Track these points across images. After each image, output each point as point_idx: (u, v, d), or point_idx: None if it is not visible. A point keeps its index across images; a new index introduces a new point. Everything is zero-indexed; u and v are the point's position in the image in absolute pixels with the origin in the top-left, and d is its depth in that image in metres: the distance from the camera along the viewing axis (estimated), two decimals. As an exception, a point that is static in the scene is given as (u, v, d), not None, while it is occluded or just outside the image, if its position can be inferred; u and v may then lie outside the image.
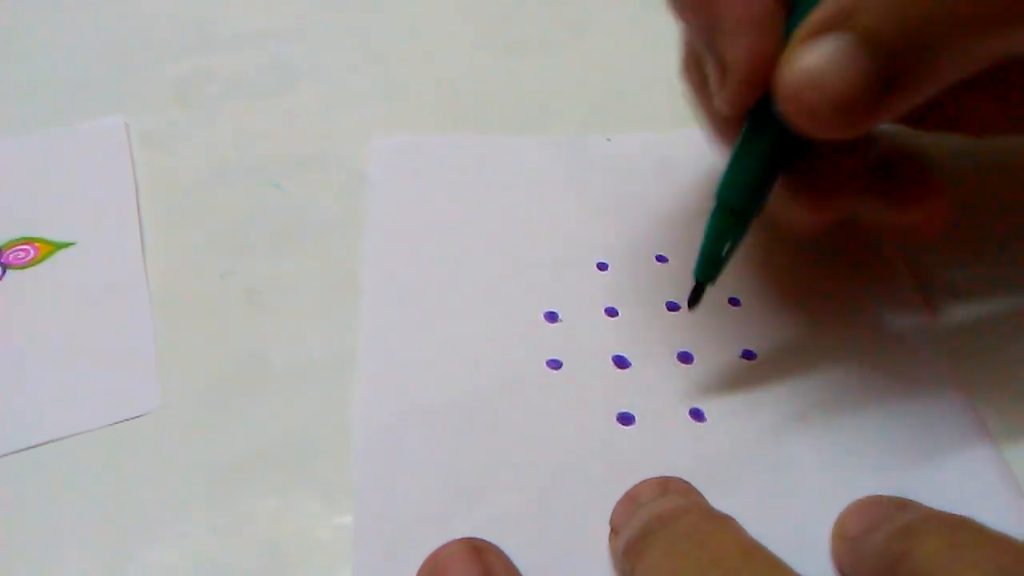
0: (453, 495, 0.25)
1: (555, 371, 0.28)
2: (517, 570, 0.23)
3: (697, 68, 0.29)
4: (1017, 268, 0.32)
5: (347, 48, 0.43)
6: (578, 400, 0.28)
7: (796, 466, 0.26)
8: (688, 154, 0.36)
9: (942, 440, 0.27)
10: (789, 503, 0.25)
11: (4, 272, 0.32)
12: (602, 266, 0.32)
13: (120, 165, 0.36)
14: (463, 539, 0.23)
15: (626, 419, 0.27)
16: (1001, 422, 0.27)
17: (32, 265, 0.32)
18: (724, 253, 0.27)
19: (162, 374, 0.29)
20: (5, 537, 0.25)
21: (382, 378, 0.28)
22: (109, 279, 0.32)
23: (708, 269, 0.27)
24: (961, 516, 0.22)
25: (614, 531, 0.24)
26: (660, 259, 0.32)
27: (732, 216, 0.26)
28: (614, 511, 0.24)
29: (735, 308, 0.31)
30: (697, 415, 0.27)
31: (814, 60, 0.22)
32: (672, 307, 0.30)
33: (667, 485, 0.24)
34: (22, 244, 0.33)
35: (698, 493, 0.24)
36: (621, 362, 0.29)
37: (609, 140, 0.37)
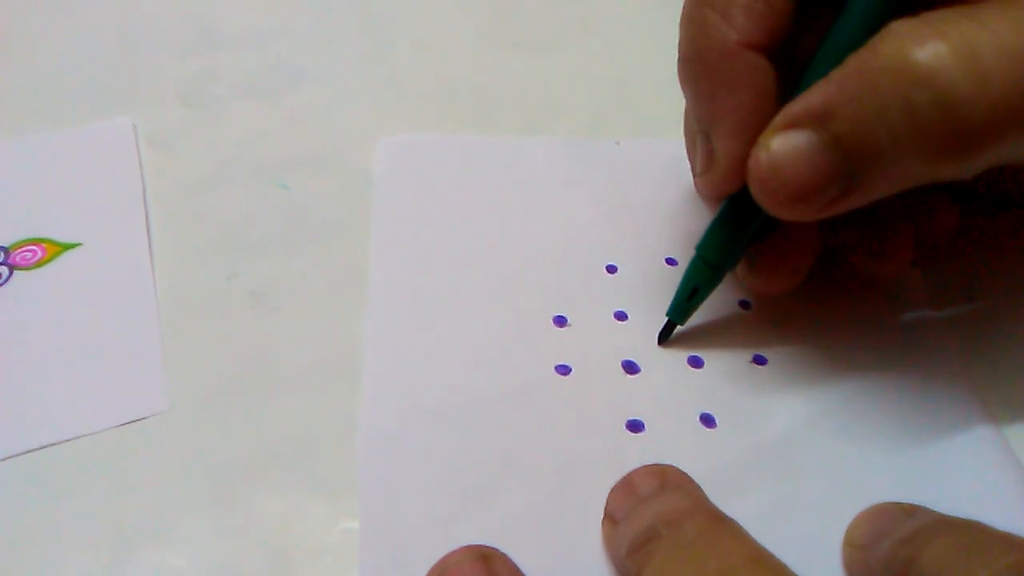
0: (460, 501, 0.25)
1: (564, 376, 0.28)
2: (524, 577, 0.23)
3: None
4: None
5: (352, 48, 0.43)
6: (587, 406, 0.27)
7: (807, 473, 0.26)
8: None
9: (955, 447, 0.26)
10: (799, 510, 0.25)
11: (11, 273, 0.32)
12: (611, 269, 0.32)
13: (127, 166, 0.36)
14: (470, 546, 0.23)
15: (635, 426, 0.27)
16: (1018, 430, 0.27)
17: (39, 266, 0.32)
18: (697, 298, 0.29)
19: (169, 376, 0.29)
20: (12, 537, 0.25)
21: (388, 381, 0.28)
22: (116, 280, 0.31)
23: (680, 310, 0.29)
24: (969, 520, 0.22)
25: (610, 518, 0.24)
26: (670, 262, 0.32)
27: (708, 268, 0.28)
28: (610, 497, 0.24)
29: (746, 312, 0.30)
30: (708, 421, 0.27)
31: (784, 151, 0.24)
32: (687, 316, 0.30)
33: (664, 475, 0.24)
34: (29, 245, 0.33)
35: (696, 485, 0.24)
36: (631, 367, 0.29)
37: (618, 143, 0.37)
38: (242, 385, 0.28)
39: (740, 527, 0.22)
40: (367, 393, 0.28)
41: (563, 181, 0.35)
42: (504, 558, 0.23)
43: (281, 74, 0.41)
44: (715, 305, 0.30)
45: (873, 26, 0.23)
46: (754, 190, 0.25)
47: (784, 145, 0.24)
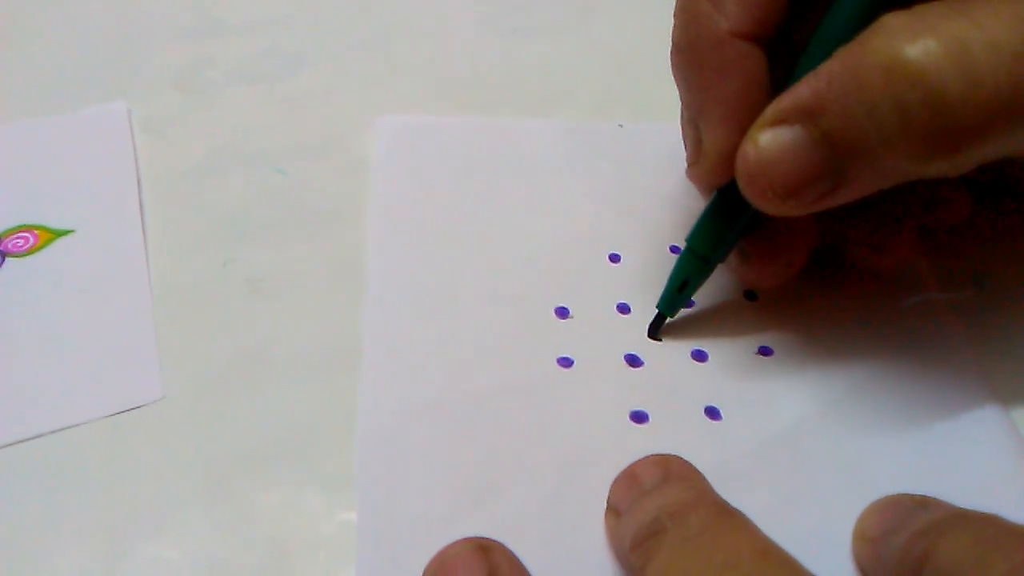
0: (459, 493, 0.25)
1: (566, 369, 0.28)
2: (525, 570, 0.22)
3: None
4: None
5: (350, 33, 0.42)
6: (590, 398, 0.27)
7: (814, 465, 0.25)
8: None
9: (964, 435, 0.26)
10: (807, 503, 0.25)
11: (3, 260, 0.31)
12: (614, 258, 0.31)
13: (121, 152, 0.35)
14: (469, 538, 0.22)
15: (640, 417, 0.27)
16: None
17: (32, 253, 0.32)
18: (687, 290, 0.28)
19: (163, 364, 0.28)
20: (4, 528, 0.24)
21: (387, 372, 0.27)
22: (109, 267, 0.31)
23: (671, 302, 0.29)
24: (985, 513, 0.21)
25: (613, 510, 0.24)
26: (674, 250, 0.31)
27: (698, 260, 0.28)
28: (612, 488, 0.24)
29: (751, 303, 0.30)
30: (713, 413, 0.27)
31: (772, 146, 0.24)
32: (678, 308, 0.29)
33: (668, 465, 0.24)
34: (22, 232, 0.32)
35: (700, 475, 0.24)
36: (634, 360, 0.28)
37: (621, 126, 0.36)
38: (238, 373, 0.28)
39: (747, 519, 0.21)
40: (365, 384, 0.27)
41: (566, 166, 0.35)
42: (504, 550, 0.22)
43: (278, 59, 0.40)
44: (720, 296, 0.30)
45: (865, 18, 0.23)
46: (742, 185, 0.25)
47: (772, 140, 0.24)
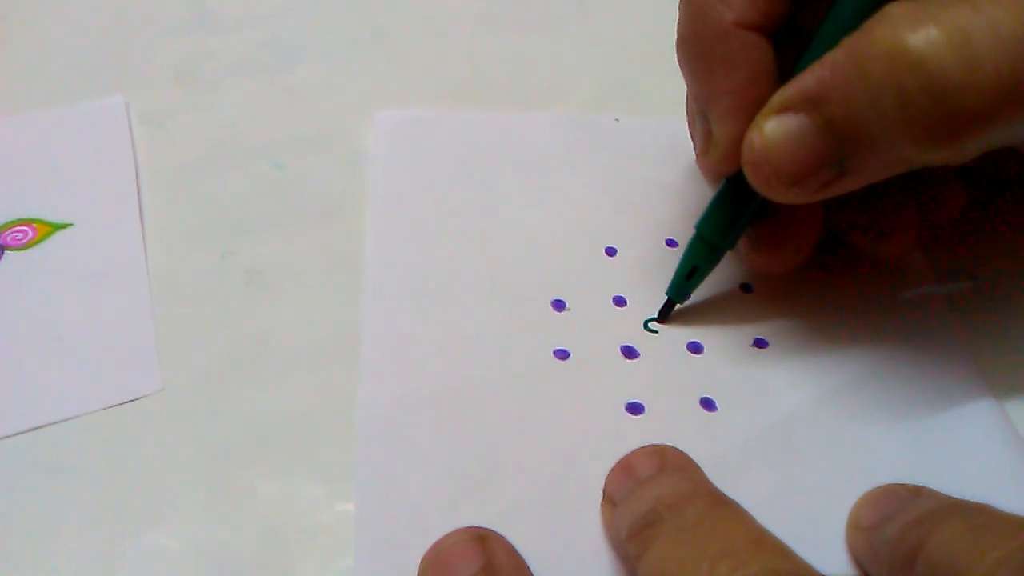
0: (457, 483, 0.25)
1: (562, 361, 0.28)
2: (522, 559, 0.22)
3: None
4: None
5: (348, 27, 0.42)
6: (586, 390, 0.27)
7: (808, 455, 0.26)
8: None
9: (958, 426, 0.26)
10: (801, 492, 0.25)
11: (2, 253, 0.31)
12: (610, 251, 0.31)
13: (120, 145, 0.35)
14: (466, 528, 0.23)
15: (635, 408, 0.27)
16: (1021, 409, 0.27)
17: (30, 246, 0.32)
18: (696, 277, 0.29)
19: (161, 356, 0.28)
20: (4, 518, 0.25)
21: (385, 363, 0.28)
22: (108, 260, 0.31)
23: (680, 289, 0.29)
24: (977, 503, 0.22)
25: (609, 500, 0.24)
26: (670, 243, 0.31)
27: (707, 247, 0.28)
28: (608, 479, 0.24)
29: (747, 295, 0.30)
30: (708, 404, 0.27)
31: (777, 134, 0.25)
32: (687, 295, 0.30)
33: (664, 456, 0.24)
34: (20, 225, 0.32)
35: (696, 466, 0.24)
36: (630, 352, 0.28)
37: (617, 120, 0.37)
38: (236, 365, 0.28)
39: (742, 509, 0.21)
40: (364, 375, 0.27)
41: (563, 159, 0.35)
42: (501, 539, 0.22)
43: (277, 53, 0.40)
44: (716, 288, 0.30)
45: (869, 8, 0.23)
46: (748, 173, 0.26)
47: (777, 128, 0.24)
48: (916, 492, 0.23)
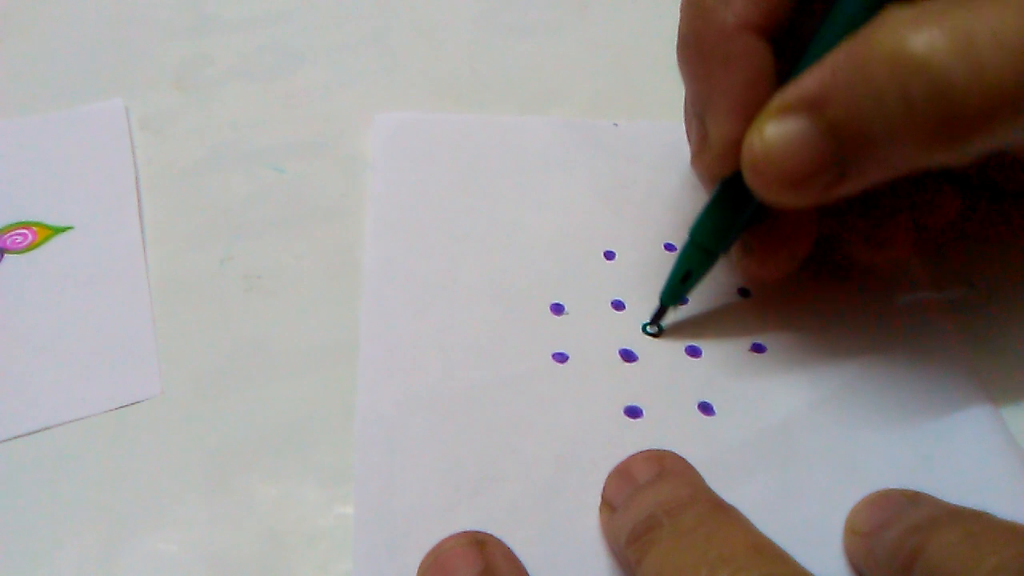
0: (455, 487, 0.25)
1: (561, 364, 0.28)
2: (520, 563, 0.22)
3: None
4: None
5: (348, 31, 0.42)
6: (584, 393, 0.27)
7: (806, 460, 0.26)
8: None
9: (955, 432, 0.26)
10: (799, 497, 0.25)
11: (2, 256, 0.31)
12: (609, 255, 0.31)
13: (119, 149, 0.35)
14: (465, 532, 0.23)
15: (634, 412, 0.27)
16: (1017, 414, 0.27)
17: (30, 249, 0.32)
18: (690, 282, 0.29)
19: (161, 360, 0.28)
20: (5, 523, 0.25)
21: (384, 367, 0.28)
22: (107, 263, 0.31)
23: (673, 294, 0.29)
24: (975, 509, 0.22)
25: (607, 505, 0.24)
26: (668, 247, 0.32)
27: (701, 252, 0.28)
28: (607, 484, 0.24)
29: (745, 300, 0.30)
30: (706, 409, 0.27)
31: (777, 137, 0.24)
32: (680, 299, 0.30)
33: (662, 461, 0.24)
34: (20, 228, 0.32)
35: (695, 471, 0.24)
36: (628, 356, 0.28)
37: (616, 125, 0.37)
38: (236, 369, 0.28)
39: (741, 514, 0.22)
40: (362, 379, 0.27)
41: (561, 163, 0.35)
42: (499, 544, 0.22)
43: (276, 57, 0.40)
44: (714, 293, 0.30)
45: (870, 10, 0.23)
46: (747, 176, 0.25)
47: (778, 131, 0.24)
48: (914, 498, 0.23)
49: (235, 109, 0.38)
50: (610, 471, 0.24)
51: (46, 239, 0.32)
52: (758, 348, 0.29)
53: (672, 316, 0.29)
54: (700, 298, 0.29)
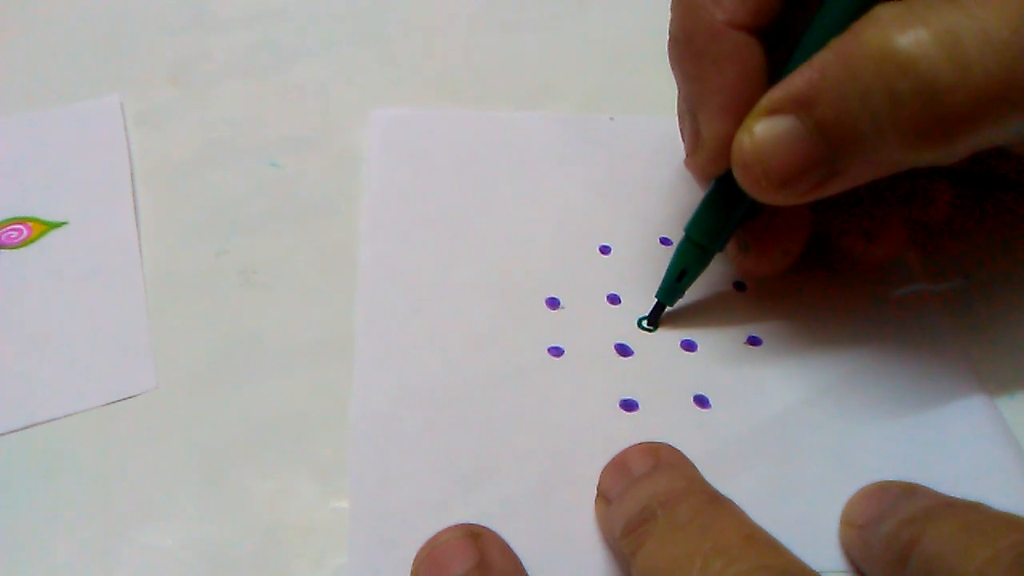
0: (451, 481, 0.25)
1: (557, 358, 0.28)
2: (516, 556, 0.22)
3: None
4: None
5: (344, 26, 0.42)
6: (580, 387, 0.27)
7: (802, 452, 0.26)
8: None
9: (951, 424, 0.26)
10: (795, 490, 0.25)
11: (-3, 252, 0.31)
12: (604, 249, 0.31)
13: (115, 144, 0.35)
14: (460, 525, 0.23)
15: (629, 406, 0.27)
16: (1013, 406, 0.27)
17: (25, 245, 0.32)
18: (686, 279, 0.29)
19: (156, 354, 0.28)
20: (-1, 518, 0.25)
21: (379, 361, 0.28)
22: (102, 258, 0.31)
23: (670, 292, 0.29)
24: (970, 501, 0.22)
25: (603, 498, 0.24)
26: (664, 241, 0.32)
27: (696, 249, 0.28)
28: (602, 476, 0.24)
29: (740, 293, 0.30)
30: (702, 402, 0.27)
31: (766, 136, 0.24)
32: (677, 298, 0.30)
33: (658, 453, 0.24)
34: (15, 224, 0.32)
35: (690, 463, 0.24)
36: (624, 350, 0.28)
37: (612, 120, 0.37)
38: (231, 363, 0.28)
39: (736, 506, 0.22)
40: (358, 373, 0.27)
41: (557, 158, 0.35)
42: (495, 536, 0.22)
43: (272, 52, 0.40)
44: (710, 286, 0.30)
45: (858, 10, 0.23)
46: (737, 174, 0.25)
47: (767, 130, 0.24)
48: (909, 489, 0.23)
49: (231, 105, 0.38)
50: (605, 464, 0.24)
51: (41, 234, 0.32)
52: (754, 341, 0.29)
53: (668, 308, 0.29)
54: (695, 291, 0.29)
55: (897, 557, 0.21)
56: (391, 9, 0.43)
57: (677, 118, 0.31)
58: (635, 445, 0.24)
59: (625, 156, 0.35)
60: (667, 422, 0.26)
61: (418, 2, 0.44)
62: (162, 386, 0.27)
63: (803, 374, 0.28)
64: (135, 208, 0.33)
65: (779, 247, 0.29)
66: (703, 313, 0.29)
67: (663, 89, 0.32)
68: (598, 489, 0.24)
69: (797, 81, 0.24)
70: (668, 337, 0.29)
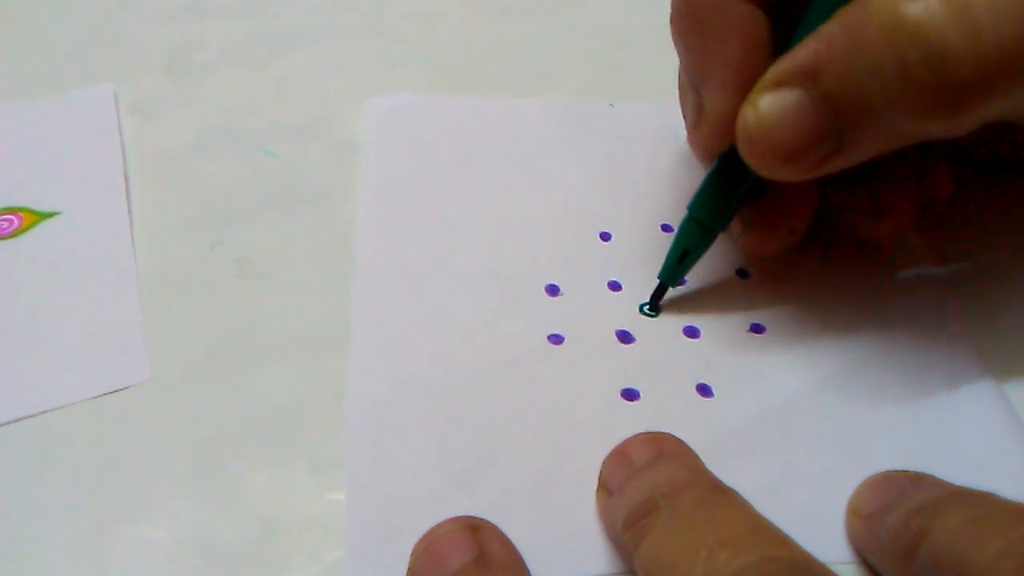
0: (449, 472, 0.24)
1: (557, 346, 0.28)
2: (515, 549, 0.22)
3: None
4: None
5: (339, 14, 0.42)
6: (581, 376, 0.27)
7: (806, 441, 0.25)
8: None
9: (958, 410, 0.26)
10: (800, 480, 0.24)
11: (-11, 243, 0.31)
12: (605, 236, 0.31)
13: (108, 134, 0.35)
14: (458, 517, 0.22)
15: (631, 395, 0.26)
16: (1021, 391, 0.27)
17: (17, 235, 0.31)
18: (688, 260, 0.28)
19: (150, 345, 0.28)
20: (-10, 510, 0.24)
21: (376, 351, 0.27)
22: (95, 249, 0.31)
23: (672, 273, 0.28)
24: (979, 490, 0.21)
25: (604, 489, 0.23)
26: (665, 228, 0.31)
27: (699, 228, 0.28)
28: (604, 467, 0.24)
29: (744, 280, 0.30)
30: (704, 391, 0.26)
31: (772, 110, 0.24)
32: (679, 279, 0.29)
33: (660, 443, 0.23)
34: (6, 214, 0.32)
35: (693, 453, 0.23)
36: (625, 337, 0.28)
37: (612, 106, 0.36)
38: (225, 355, 0.28)
39: (739, 496, 0.21)
40: (354, 363, 0.27)
41: (556, 145, 0.34)
42: (494, 529, 0.22)
43: (267, 40, 0.40)
44: (712, 273, 0.30)
45: None
46: (742, 149, 0.25)
47: (772, 104, 0.24)
48: (917, 479, 0.23)
49: (226, 93, 0.37)
50: (607, 454, 0.24)
51: (33, 224, 0.32)
52: (757, 328, 0.28)
53: (670, 296, 0.29)
54: (698, 278, 0.29)
55: (905, 548, 0.21)
56: (388, -4, 0.43)
57: (679, 95, 0.30)
58: (637, 435, 0.24)
59: (626, 143, 0.34)
60: (669, 412, 0.26)
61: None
62: (156, 377, 0.27)
63: (807, 362, 0.27)
64: (128, 198, 0.33)
65: (784, 226, 0.28)
66: (706, 300, 0.29)
67: (663, 76, 0.32)
68: (599, 480, 0.24)
69: (803, 53, 0.23)
70: (670, 324, 0.28)
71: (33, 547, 0.24)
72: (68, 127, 0.35)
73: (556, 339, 0.28)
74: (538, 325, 0.28)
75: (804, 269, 0.30)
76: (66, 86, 0.37)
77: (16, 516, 0.24)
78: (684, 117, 0.29)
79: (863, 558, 0.23)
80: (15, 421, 0.26)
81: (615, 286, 0.29)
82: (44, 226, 0.31)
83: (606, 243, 0.31)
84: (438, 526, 0.22)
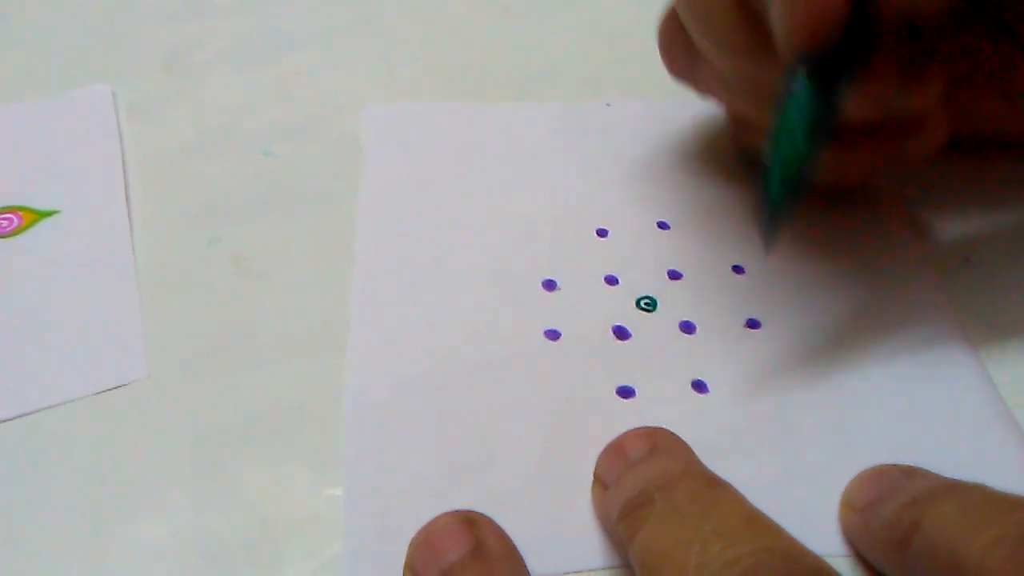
0: (446, 468, 0.25)
1: (553, 342, 0.28)
2: (511, 542, 0.22)
3: (683, 44, 0.28)
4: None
5: (338, 15, 0.42)
6: (577, 372, 0.27)
7: (801, 436, 0.25)
8: (688, 119, 0.35)
9: (951, 407, 0.26)
10: (794, 473, 0.25)
11: (-12, 241, 0.31)
12: (602, 232, 0.31)
13: (106, 133, 0.35)
14: (455, 511, 0.22)
15: (626, 392, 0.26)
16: (1015, 390, 0.27)
17: (16, 234, 0.31)
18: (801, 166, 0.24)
19: (148, 343, 0.28)
20: (-12, 507, 0.24)
21: (374, 348, 0.27)
22: (94, 247, 0.31)
23: (791, 184, 0.23)
24: (972, 482, 0.21)
25: (600, 483, 0.24)
26: (662, 225, 0.31)
27: (798, 140, 0.23)
28: (599, 461, 0.24)
29: (739, 276, 0.30)
30: (700, 387, 0.27)
31: None
32: (673, 275, 0.29)
33: (655, 437, 0.23)
34: (6, 213, 0.32)
35: (688, 448, 0.23)
36: (621, 333, 0.28)
37: (608, 105, 0.36)
38: (223, 352, 0.28)
39: (734, 489, 0.21)
40: (353, 359, 0.27)
41: (553, 144, 0.34)
42: (491, 523, 0.22)
43: (266, 41, 0.40)
44: (708, 269, 0.30)
45: None
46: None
47: None
48: (910, 472, 0.23)
49: (225, 93, 0.38)
50: (602, 449, 0.24)
51: (32, 223, 0.32)
52: (753, 324, 0.28)
53: (668, 291, 0.29)
54: (693, 274, 0.29)
55: (899, 540, 0.21)
56: (387, -4, 0.43)
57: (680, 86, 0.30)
58: (632, 430, 0.24)
59: (623, 141, 0.35)
60: (665, 408, 0.26)
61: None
62: (154, 375, 0.27)
63: (802, 357, 0.27)
64: (127, 197, 0.33)
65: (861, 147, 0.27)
66: (702, 296, 0.29)
67: (660, 74, 0.32)
68: (595, 474, 0.24)
69: None
70: (666, 319, 0.28)
71: (31, 544, 0.24)
72: (67, 126, 0.36)
73: (553, 335, 0.28)
74: (535, 320, 0.28)
75: (800, 264, 0.30)
76: (64, 86, 0.37)
77: (14, 513, 0.24)
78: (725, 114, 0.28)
79: (857, 550, 0.23)
80: (13, 418, 0.26)
81: (612, 280, 0.29)
82: (43, 225, 0.32)
83: (603, 239, 0.31)
84: (435, 519, 0.22)
